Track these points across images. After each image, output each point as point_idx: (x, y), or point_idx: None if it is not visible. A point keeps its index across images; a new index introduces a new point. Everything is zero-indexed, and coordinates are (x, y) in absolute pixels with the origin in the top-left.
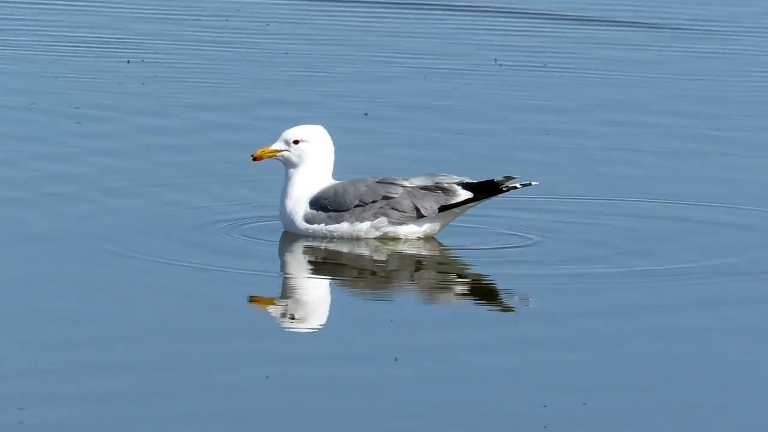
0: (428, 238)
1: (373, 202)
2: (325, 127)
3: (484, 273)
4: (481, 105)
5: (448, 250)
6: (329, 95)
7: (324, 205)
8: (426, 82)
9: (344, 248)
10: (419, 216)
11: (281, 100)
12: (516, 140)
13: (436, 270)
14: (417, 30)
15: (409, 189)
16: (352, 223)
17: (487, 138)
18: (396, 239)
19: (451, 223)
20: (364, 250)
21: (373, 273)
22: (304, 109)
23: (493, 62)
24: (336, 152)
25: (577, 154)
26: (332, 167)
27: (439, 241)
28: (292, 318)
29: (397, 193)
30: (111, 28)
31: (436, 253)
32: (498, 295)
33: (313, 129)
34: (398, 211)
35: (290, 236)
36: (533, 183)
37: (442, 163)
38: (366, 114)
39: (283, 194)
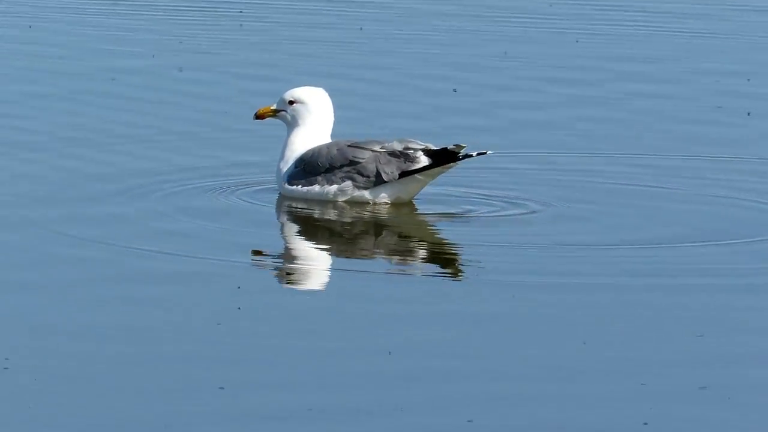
0: (404, 204)
1: (341, 166)
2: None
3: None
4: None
5: (421, 214)
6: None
7: (302, 167)
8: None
9: (316, 212)
10: (380, 181)
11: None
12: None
13: (397, 235)
14: None
15: (377, 153)
16: (322, 185)
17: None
18: (366, 203)
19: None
20: (335, 215)
21: (332, 237)
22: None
23: None
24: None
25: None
26: (330, 129)
27: (418, 206)
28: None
29: (364, 158)
30: None
31: (404, 218)
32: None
33: (311, 90)
34: (362, 175)
35: (282, 199)
36: (488, 152)
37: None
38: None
39: (280, 155)
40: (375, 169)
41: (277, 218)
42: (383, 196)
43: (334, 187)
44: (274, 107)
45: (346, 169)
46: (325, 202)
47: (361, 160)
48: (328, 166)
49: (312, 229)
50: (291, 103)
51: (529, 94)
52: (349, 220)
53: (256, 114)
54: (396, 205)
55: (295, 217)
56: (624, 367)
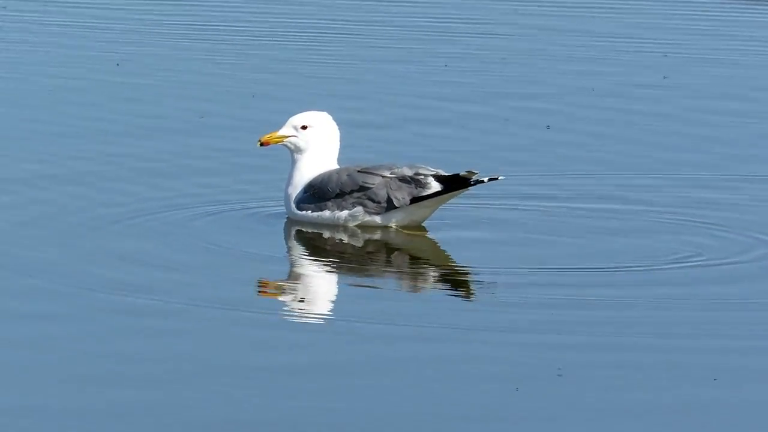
0: (417, 228)
1: (352, 191)
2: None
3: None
4: None
5: (433, 241)
6: None
7: (312, 192)
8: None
9: (327, 235)
10: (391, 207)
11: None
12: None
13: (408, 257)
14: None
15: (388, 179)
16: (332, 211)
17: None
18: (380, 228)
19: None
20: (349, 239)
21: (343, 260)
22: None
23: None
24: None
25: None
26: (337, 154)
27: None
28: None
29: (374, 183)
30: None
31: (415, 241)
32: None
33: (319, 115)
34: (373, 201)
35: (290, 222)
36: (500, 177)
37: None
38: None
39: (287, 180)
40: (386, 195)
41: (286, 243)
42: (394, 221)
43: (345, 213)
44: (281, 133)
45: (356, 194)
46: (335, 226)
47: (371, 186)
48: (338, 191)
49: (323, 252)
50: (304, 128)
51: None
52: (360, 244)
53: (260, 141)
54: (408, 228)
55: (305, 241)
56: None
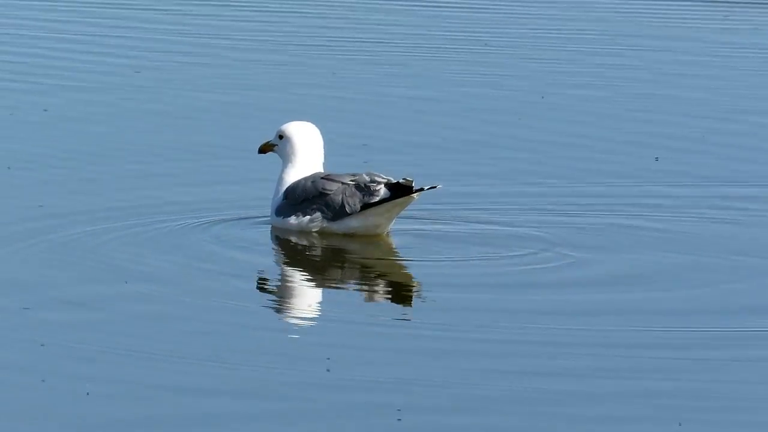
0: (378, 236)
1: (313, 197)
2: None
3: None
4: None
5: (394, 250)
6: None
7: (286, 198)
8: None
9: (294, 240)
10: (344, 213)
11: None
12: None
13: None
14: None
15: (345, 186)
16: (297, 217)
17: None
18: (351, 235)
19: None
20: (309, 245)
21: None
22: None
23: None
24: None
25: None
26: (321, 163)
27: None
28: None
29: (332, 190)
30: None
31: (372, 251)
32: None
33: (299, 125)
34: (329, 207)
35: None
36: (438, 186)
37: None
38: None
39: (275, 189)
40: (341, 201)
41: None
42: (350, 228)
43: (306, 218)
44: (270, 141)
45: (317, 200)
46: (304, 233)
47: (329, 192)
48: (303, 197)
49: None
50: (281, 137)
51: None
52: (317, 252)
53: (259, 148)
54: (367, 237)
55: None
56: None
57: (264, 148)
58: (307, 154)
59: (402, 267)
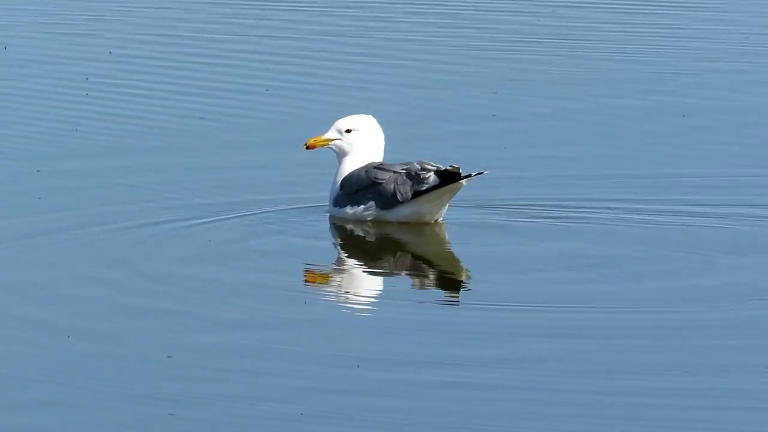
0: (434, 224)
1: (366, 187)
2: None
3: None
4: None
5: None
6: None
7: (343, 189)
8: None
9: (349, 229)
10: (396, 202)
11: None
12: None
13: (411, 254)
14: None
15: (397, 174)
16: (352, 206)
17: None
18: (405, 223)
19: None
20: (364, 234)
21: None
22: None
23: None
24: None
25: None
26: (381, 155)
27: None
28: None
29: (384, 179)
30: None
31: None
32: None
33: (363, 118)
34: (382, 196)
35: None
36: (485, 172)
37: None
38: None
39: (333, 181)
40: (392, 190)
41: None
42: (402, 216)
43: (360, 208)
44: (326, 136)
45: (371, 190)
46: (360, 222)
47: (381, 181)
48: (357, 187)
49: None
50: (348, 131)
51: None
52: (372, 239)
53: (306, 144)
54: (420, 225)
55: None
56: None
57: (314, 144)
58: (372, 147)
59: (452, 255)
